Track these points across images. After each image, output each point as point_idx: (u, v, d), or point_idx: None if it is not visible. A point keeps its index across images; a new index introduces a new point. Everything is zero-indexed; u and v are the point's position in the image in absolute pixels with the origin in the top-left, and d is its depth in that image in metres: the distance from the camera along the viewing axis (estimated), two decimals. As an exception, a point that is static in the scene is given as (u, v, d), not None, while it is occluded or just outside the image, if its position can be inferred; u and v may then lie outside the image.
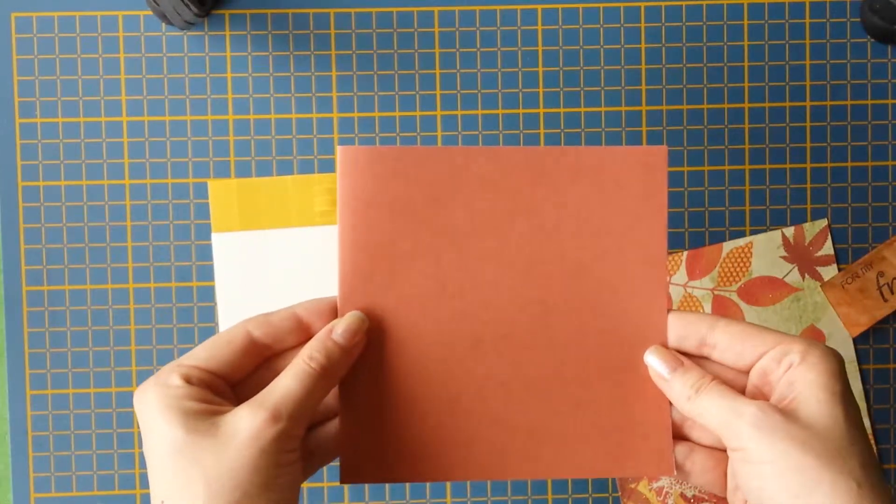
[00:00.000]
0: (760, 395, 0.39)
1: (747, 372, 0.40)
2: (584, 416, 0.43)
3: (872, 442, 0.57)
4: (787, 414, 0.38)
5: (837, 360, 0.39)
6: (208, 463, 0.35)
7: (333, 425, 0.41)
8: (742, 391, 0.40)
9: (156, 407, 0.36)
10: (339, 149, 0.42)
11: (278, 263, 0.57)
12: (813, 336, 0.57)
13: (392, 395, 0.42)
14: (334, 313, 0.42)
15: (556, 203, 0.44)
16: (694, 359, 0.41)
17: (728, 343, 0.40)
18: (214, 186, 0.57)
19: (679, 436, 0.42)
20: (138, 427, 0.57)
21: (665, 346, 0.42)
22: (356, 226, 0.44)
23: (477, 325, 0.43)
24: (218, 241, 0.57)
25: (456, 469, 0.42)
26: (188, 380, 0.37)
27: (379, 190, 0.44)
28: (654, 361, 0.41)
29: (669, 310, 0.42)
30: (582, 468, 0.43)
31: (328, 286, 0.57)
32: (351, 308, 0.42)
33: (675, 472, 0.42)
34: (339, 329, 0.40)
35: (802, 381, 0.38)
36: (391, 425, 0.42)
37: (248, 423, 0.36)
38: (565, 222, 0.44)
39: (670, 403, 0.41)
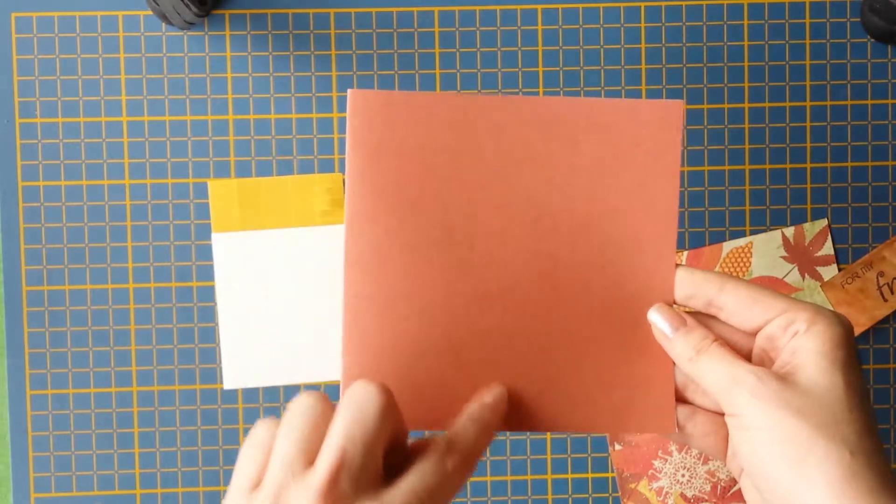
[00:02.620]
0: (766, 360, 0.39)
1: (754, 334, 0.40)
2: (588, 372, 0.43)
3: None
4: (785, 381, 0.38)
5: (844, 328, 0.39)
6: None
7: None
8: (749, 354, 0.40)
9: None
10: (349, 92, 0.42)
11: (278, 263, 0.57)
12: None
13: (395, 345, 0.42)
14: None
15: (567, 155, 0.43)
16: (702, 317, 0.41)
17: (735, 306, 0.40)
18: (215, 186, 0.57)
19: (681, 399, 0.42)
20: (138, 427, 0.58)
21: (671, 304, 0.42)
22: (364, 170, 0.43)
23: (483, 276, 0.43)
24: (218, 241, 0.57)
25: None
26: None
27: (388, 135, 0.43)
28: (657, 319, 0.41)
29: (678, 265, 0.42)
30: (584, 423, 0.42)
31: (329, 286, 0.57)
32: (357, 252, 0.42)
33: (677, 431, 0.42)
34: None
35: (805, 349, 0.38)
36: (394, 375, 0.41)
37: None
38: (575, 175, 0.43)
39: (674, 363, 0.41)
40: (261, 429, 0.36)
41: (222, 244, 0.57)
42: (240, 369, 0.57)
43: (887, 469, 0.37)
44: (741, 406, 0.37)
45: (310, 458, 0.34)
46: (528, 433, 0.57)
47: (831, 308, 0.57)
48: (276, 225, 0.57)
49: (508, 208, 0.43)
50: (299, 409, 0.36)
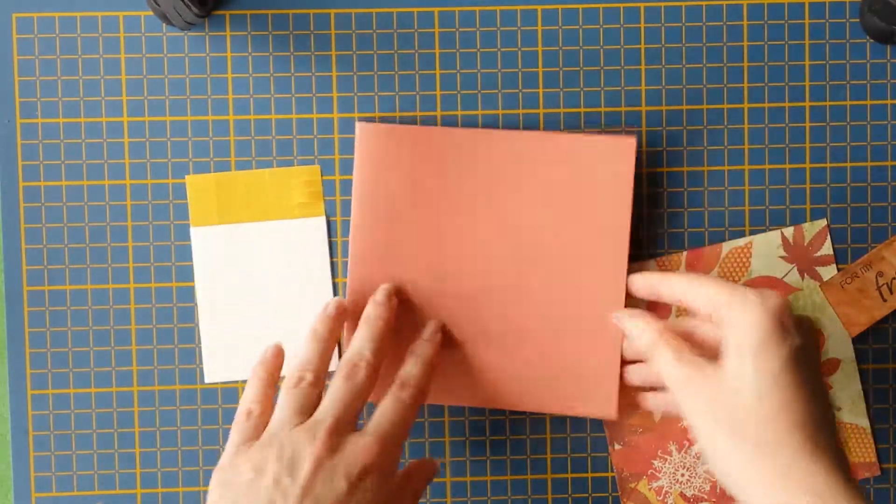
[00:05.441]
0: None
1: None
2: (550, 363, 0.53)
3: (871, 440, 0.57)
4: (703, 368, 0.42)
5: (763, 308, 0.40)
6: None
7: None
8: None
9: None
10: (357, 125, 0.53)
11: (257, 256, 0.57)
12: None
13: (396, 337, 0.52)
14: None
15: (538, 181, 0.52)
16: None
17: (694, 298, 0.45)
18: (192, 181, 0.57)
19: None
20: (139, 426, 0.58)
21: (621, 307, 0.52)
22: (369, 192, 0.53)
23: (470, 282, 0.53)
24: (197, 235, 0.57)
25: (450, 394, 0.53)
26: None
27: (390, 162, 0.53)
28: (619, 318, 0.52)
29: (633, 273, 0.52)
30: (544, 404, 0.53)
31: (308, 278, 0.58)
32: (363, 263, 0.53)
33: (616, 416, 0.53)
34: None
35: (726, 339, 0.40)
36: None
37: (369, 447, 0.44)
38: (541, 199, 0.52)
39: (621, 356, 0.52)
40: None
41: (201, 238, 0.57)
42: (220, 363, 0.57)
43: (810, 448, 0.37)
44: (664, 378, 0.45)
45: (306, 415, 0.46)
46: (527, 433, 0.57)
47: (830, 307, 0.57)
48: (255, 218, 0.57)
49: (487, 226, 0.53)
50: (292, 383, 0.48)
